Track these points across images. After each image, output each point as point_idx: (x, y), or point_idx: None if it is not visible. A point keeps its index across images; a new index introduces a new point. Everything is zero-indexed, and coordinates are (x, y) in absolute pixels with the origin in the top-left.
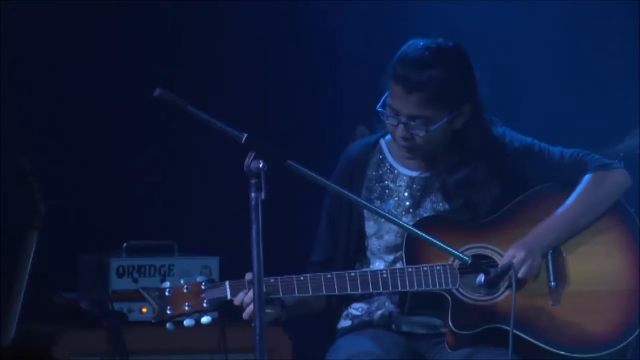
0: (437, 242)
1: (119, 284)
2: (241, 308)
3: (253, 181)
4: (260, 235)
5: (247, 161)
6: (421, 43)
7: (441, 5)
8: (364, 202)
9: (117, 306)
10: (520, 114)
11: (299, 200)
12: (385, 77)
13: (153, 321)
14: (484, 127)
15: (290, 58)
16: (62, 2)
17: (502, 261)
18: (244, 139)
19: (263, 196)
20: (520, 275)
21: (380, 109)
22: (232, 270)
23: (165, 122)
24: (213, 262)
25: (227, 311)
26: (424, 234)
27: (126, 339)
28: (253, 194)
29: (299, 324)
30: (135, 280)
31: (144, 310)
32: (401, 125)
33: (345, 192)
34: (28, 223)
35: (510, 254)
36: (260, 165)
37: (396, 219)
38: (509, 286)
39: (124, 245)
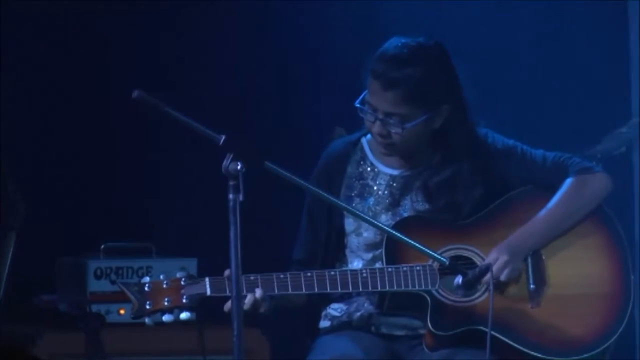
0: (415, 244)
1: (96, 285)
2: (220, 304)
3: (231, 183)
4: (238, 236)
5: (225, 163)
6: (402, 41)
7: (421, 5)
8: (342, 203)
9: (94, 308)
10: (501, 115)
11: (278, 200)
12: (365, 73)
13: (132, 316)
14: (466, 128)
15: (267, 60)
16: (46, 3)
17: (484, 263)
18: (222, 140)
19: (241, 198)
20: (502, 278)
21: (358, 105)
22: (210, 272)
23: (143, 124)
24: (191, 264)
25: (206, 309)
26: (401, 235)
27: (104, 341)
28: (231, 196)
29: (277, 325)
30: (113, 282)
31: (122, 311)
32: (378, 122)
33: (323, 192)
34: (6, 224)
35: (494, 256)
36: (239, 167)
37: (374, 221)
38: (487, 288)
39: (102, 247)
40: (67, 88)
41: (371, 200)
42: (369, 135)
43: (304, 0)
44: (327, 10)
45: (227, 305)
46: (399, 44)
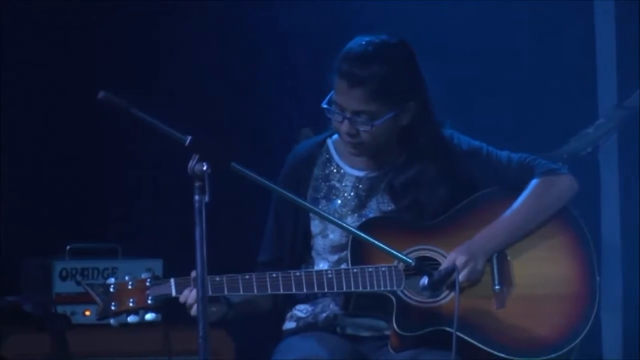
0: (380, 245)
1: (62, 286)
2: (186, 306)
3: (197, 184)
4: (204, 237)
5: (191, 164)
6: (365, 39)
7: (389, 6)
8: (308, 205)
9: (60, 309)
10: (467, 116)
11: (245, 201)
12: (331, 74)
13: (97, 317)
14: (432, 127)
15: (235, 60)
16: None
17: (444, 264)
18: (187, 141)
19: (207, 199)
20: (460, 278)
21: (325, 106)
22: (176, 273)
23: (108, 124)
24: (157, 265)
25: (171, 310)
26: (367, 236)
27: (69, 342)
28: (197, 197)
29: (242, 326)
30: (79, 283)
31: (87, 313)
32: (346, 121)
33: (289, 194)
34: None
35: (452, 257)
36: (204, 168)
37: (340, 222)
38: (452, 289)
39: (68, 248)
40: (26, 87)
41: (338, 202)
42: (334, 137)
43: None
44: (296, 10)
45: (194, 310)
46: (363, 42)
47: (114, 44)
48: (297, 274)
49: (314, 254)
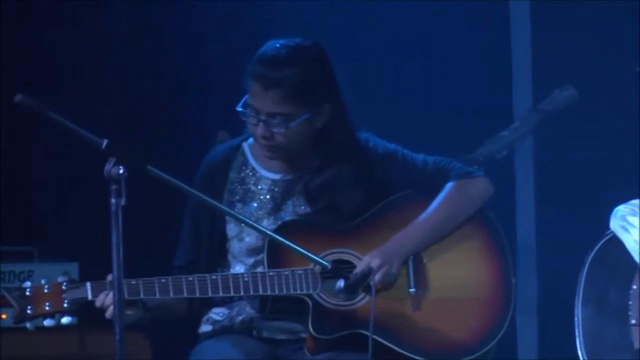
0: (297, 247)
1: None
2: (102, 309)
3: (113, 187)
4: (120, 241)
5: (107, 167)
6: (280, 42)
7: (303, 6)
8: (224, 208)
9: None
10: (382, 118)
11: (162, 203)
12: (246, 78)
13: (14, 321)
14: (347, 130)
15: (149, 62)
16: None
17: (359, 267)
18: (104, 144)
19: (123, 202)
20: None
21: (240, 109)
22: (92, 276)
23: (25, 126)
24: (73, 268)
25: (87, 313)
26: (283, 239)
27: None
28: (113, 200)
29: (159, 329)
30: None
31: (4, 316)
32: (261, 124)
33: (205, 197)
34: None
35: (367, 260)
36: (121, 172)
37: (256, 225)
38: (367, 292)
39: None
40: None
41: (253, 205)
42: (250, 140)
43: (190, 1)
44: (210, 11)
45: (109, 313)
46: (277, 45)
47: (30, 44)
48: (214, 277)
49: (230, 257)
